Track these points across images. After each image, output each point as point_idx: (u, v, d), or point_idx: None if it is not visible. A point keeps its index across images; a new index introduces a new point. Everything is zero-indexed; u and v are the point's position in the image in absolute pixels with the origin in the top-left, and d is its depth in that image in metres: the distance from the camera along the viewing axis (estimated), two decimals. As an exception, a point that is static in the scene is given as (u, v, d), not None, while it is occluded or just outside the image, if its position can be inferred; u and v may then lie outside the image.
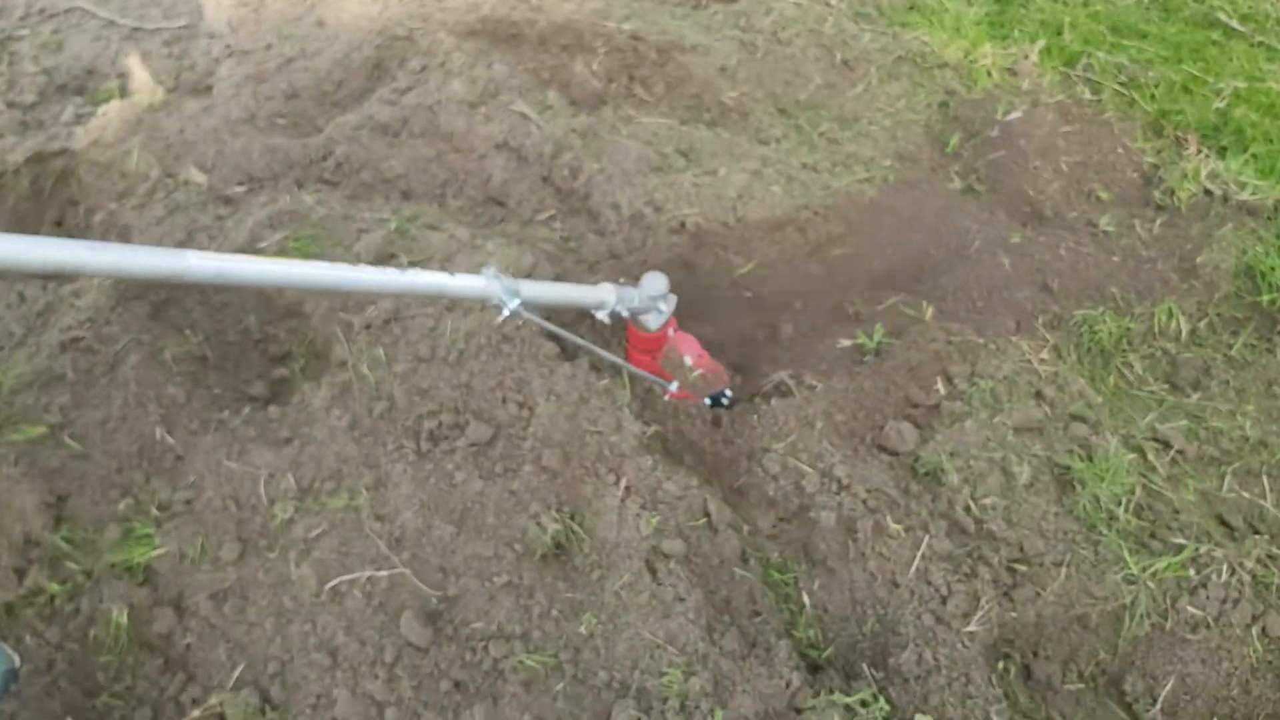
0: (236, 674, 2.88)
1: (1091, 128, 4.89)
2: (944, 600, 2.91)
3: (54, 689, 2.81)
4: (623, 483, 3.08)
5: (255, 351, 3.81)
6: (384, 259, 3.89)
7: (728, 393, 3.35)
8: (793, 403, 3.38)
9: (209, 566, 3.06)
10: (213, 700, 2.84)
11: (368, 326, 3.64)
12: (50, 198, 4.53)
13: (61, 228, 4.51)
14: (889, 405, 3.41)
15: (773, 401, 3.41)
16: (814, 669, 2.91)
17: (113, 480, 3.21)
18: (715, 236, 3.93)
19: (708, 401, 3.34)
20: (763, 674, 2.74)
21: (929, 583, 2.95)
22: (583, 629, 2.87)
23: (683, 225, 3.98)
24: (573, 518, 3.05)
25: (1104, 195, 4.62)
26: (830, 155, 4.66)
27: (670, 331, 3.30)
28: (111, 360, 3.52)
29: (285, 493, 3.16)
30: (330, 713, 2.76)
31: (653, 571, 2.94)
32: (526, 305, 2.83)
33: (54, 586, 3.01)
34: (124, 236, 4.33)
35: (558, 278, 3.83)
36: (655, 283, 3.17)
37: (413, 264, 3.90)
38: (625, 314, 3.17)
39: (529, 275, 3.80)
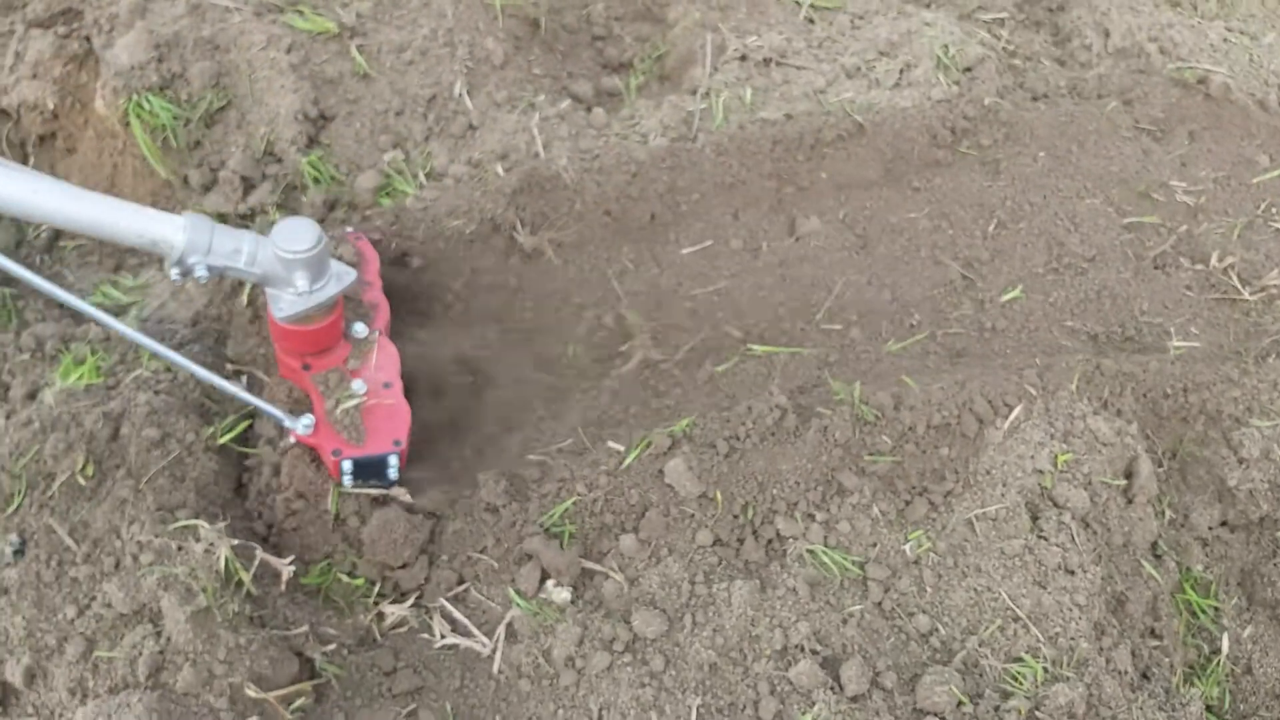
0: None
1: None
2: None
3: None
4: (1036, 391, 2.23)
5: (590, 49, 3.12)
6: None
7: (393, 461, 2.02)
8: (1306, 372, 2.38)
9: (461, 268, 2.45)
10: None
11: (743, 57, 2.86)
12: None
13: None
14: None
15: (1272, 359, 2.42)
16: (1208, 744, 2.04)
17: (388, 122, 2.64)
18: (1240, 113, 2.88)
19: (347, 468, 1.98)
20: (1160, 725, 1.89)
21: None
22: (908, 548, 2.10)
23: (1200, 82, 2.94)
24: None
25: None
26: None
27: (359, 331, 2.12)
28: (432, -17, 2.92)
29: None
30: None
31: (1034, 518, 2.11)
32: None
33: (278, 216, 2.49)
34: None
35: (1004, 92, 2.90)
36: (294, 236, 1.88)
37: (818, 8, 3.08)
38: (203, 274, 1.86)
39: (969, 71, 2.89)
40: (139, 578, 1.80)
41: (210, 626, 1.74)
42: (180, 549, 1.84)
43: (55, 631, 1.76)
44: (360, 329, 2.13)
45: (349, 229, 2.35)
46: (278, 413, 2.02)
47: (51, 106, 2.55)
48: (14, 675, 1.72)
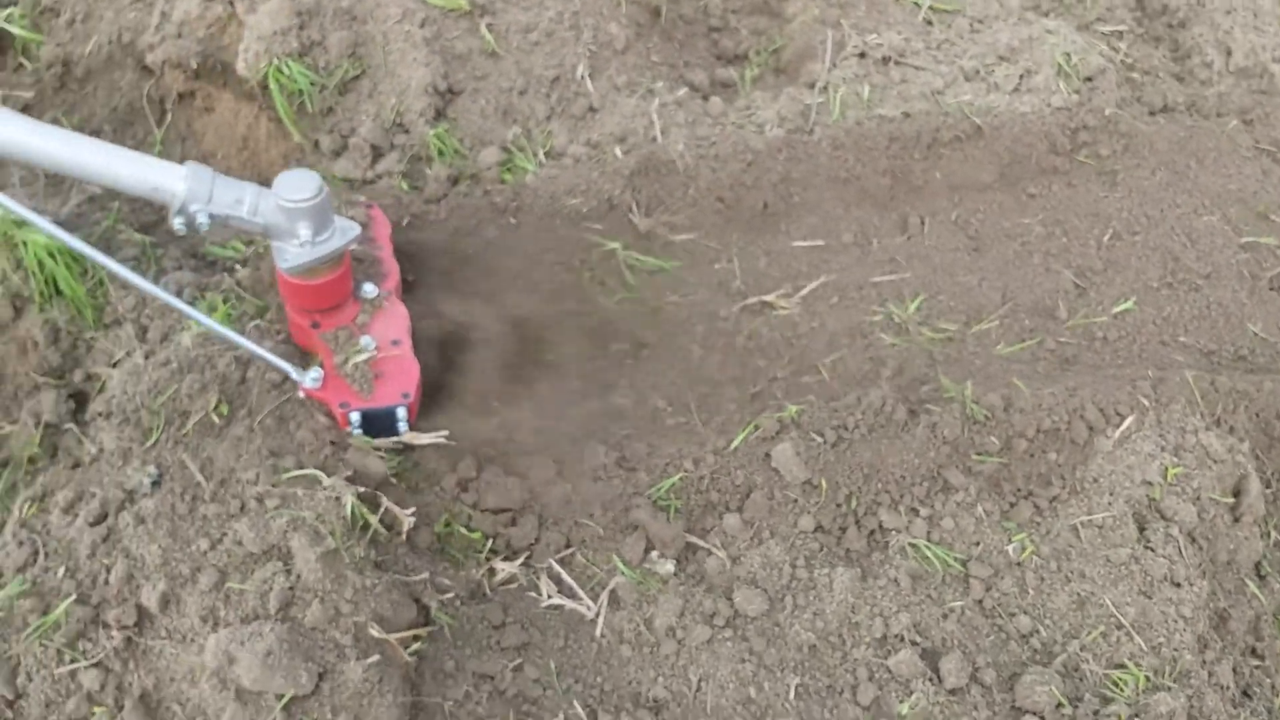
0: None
1: None
2: None
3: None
4: (1149, 403, 2.22)
5: (705, 39, 3.16)
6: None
7: (401, 414, 2.06)
8: None
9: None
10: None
11: (862, 55, 2.89)
12: None
13: None
14: None
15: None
16: (1305, 771, 2.03)
17: (512, 99, 2.71)
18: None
19: (354, 421, 2.04)
20: (1263, 744, 1.89)
21: None
22: (1011, 549, 2.12)
23: (1330, 106, 2.90)
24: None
25: None
26: None
27: (369, 291, 2.17)
28: (562, -33, 2.98)
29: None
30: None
31: (1141, 528, 2.11)
32: None
33: (403, 185, 2.58)
34: None
35: (1122, 104, 2.89)
36: (296, 186, 1.90)
37: (936, 10, 3.09)
38: (204, 222, 1.89)
39: (1089, 81, 2.88)
40: (268, 518, 1.88)
41: (338, 567, 1.81)
42: (307, 493, 1.92)
43: (189, 561, 1.85)
44: (370, 289, 2.17)
45: (361, 198, 2.42)
46: (284, 365, 2.04)
47: (194, 66, 2.66)
48: (150, 599, 1.81)
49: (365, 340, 2.10)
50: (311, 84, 2.59)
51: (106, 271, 2.23)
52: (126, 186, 1.87)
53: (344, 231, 2.00)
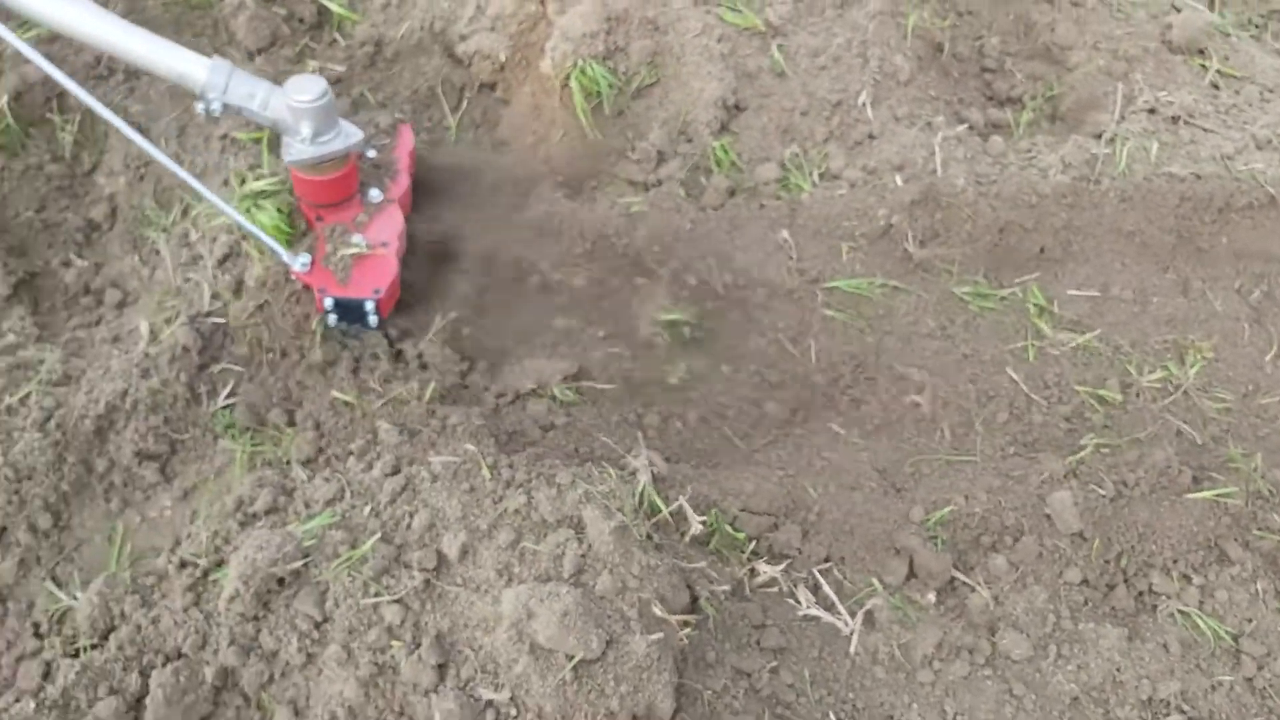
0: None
1: None
2: None
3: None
4: None
5: (977, 79, 3.17)
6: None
7: (370, 307, 2.24)
8: None
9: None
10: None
11: (1151, 110, 2.84)
12: None
13: None
14: None
15: None
16: None
17: (793, 119, 2.78)
18: None
19: (328, 305, 2.23)
20: None
21: None
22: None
23: None
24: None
25: None
26: None
27: (374, 196, 2.36)
28: (852, -7, 3.04)
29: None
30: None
31: None
32: None
33: (681, 192, 2.68)
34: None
35: None
36: (303, 88, 2.14)
37: (1224, 75, 3.01)
38: (217, 109, 2.16)
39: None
40: (563, 489, 1.98)
41: (627, 543, 1.90)
42: (601, 471, 2.01)
43: (486, 518, 1.97)
44: (375, 194, 2.38)
45: (398, 114, 2.69)
46: (278, 248, 2.23)
47: (502, 59, 2.83)
48: (450, 548, 1.93)
49: (356, 238, 2.30)
50: (610, 87, 2.72)
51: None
52: (157, 70, 2.17)
53: (347, 136, 2.22)
